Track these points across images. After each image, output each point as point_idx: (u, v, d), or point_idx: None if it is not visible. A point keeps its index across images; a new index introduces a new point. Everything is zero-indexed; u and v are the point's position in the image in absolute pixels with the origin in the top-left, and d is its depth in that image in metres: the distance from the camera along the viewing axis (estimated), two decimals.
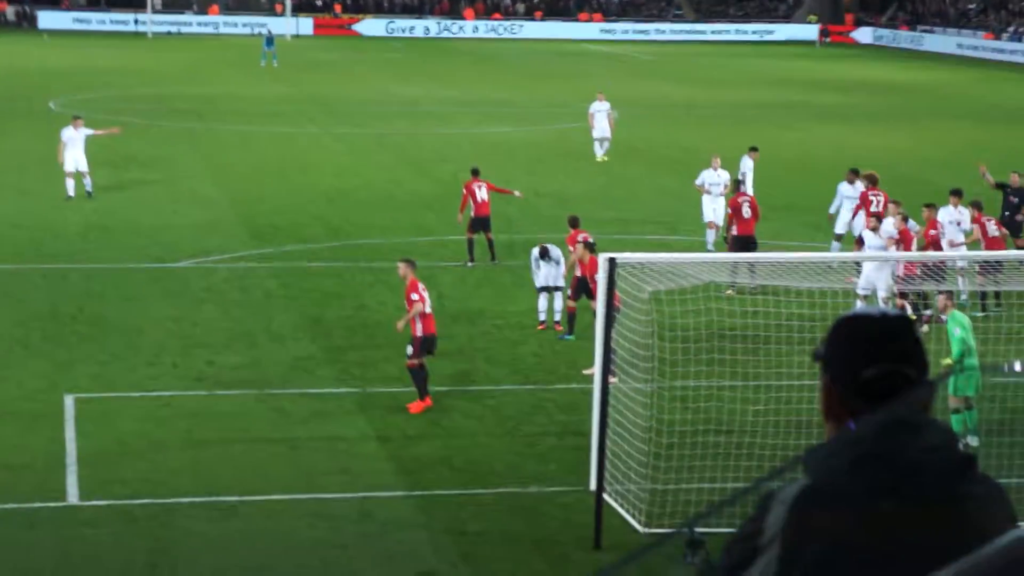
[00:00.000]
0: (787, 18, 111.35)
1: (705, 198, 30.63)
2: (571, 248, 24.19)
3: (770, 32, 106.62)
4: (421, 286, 20.11)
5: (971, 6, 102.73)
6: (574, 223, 25.04)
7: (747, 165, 33.48)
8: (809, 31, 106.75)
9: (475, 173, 29.67)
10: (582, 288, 23.44)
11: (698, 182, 30.84)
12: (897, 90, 69.59)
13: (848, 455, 3.26)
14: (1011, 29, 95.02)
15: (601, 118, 43.57)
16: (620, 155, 44.29)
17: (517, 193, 31.35)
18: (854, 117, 57.20)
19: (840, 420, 3.46)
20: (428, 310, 20.10)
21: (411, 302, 19.96)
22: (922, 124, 55.31)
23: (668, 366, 19.62)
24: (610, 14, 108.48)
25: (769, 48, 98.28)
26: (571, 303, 23.97)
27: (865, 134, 51.53)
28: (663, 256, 20.95)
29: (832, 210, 29.68)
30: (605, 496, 16.14)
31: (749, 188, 32.23)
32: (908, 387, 3.40)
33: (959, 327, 18.69)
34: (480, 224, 28.97)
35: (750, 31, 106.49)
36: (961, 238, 26.20)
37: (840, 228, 29.33)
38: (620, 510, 16.46)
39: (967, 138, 50.91)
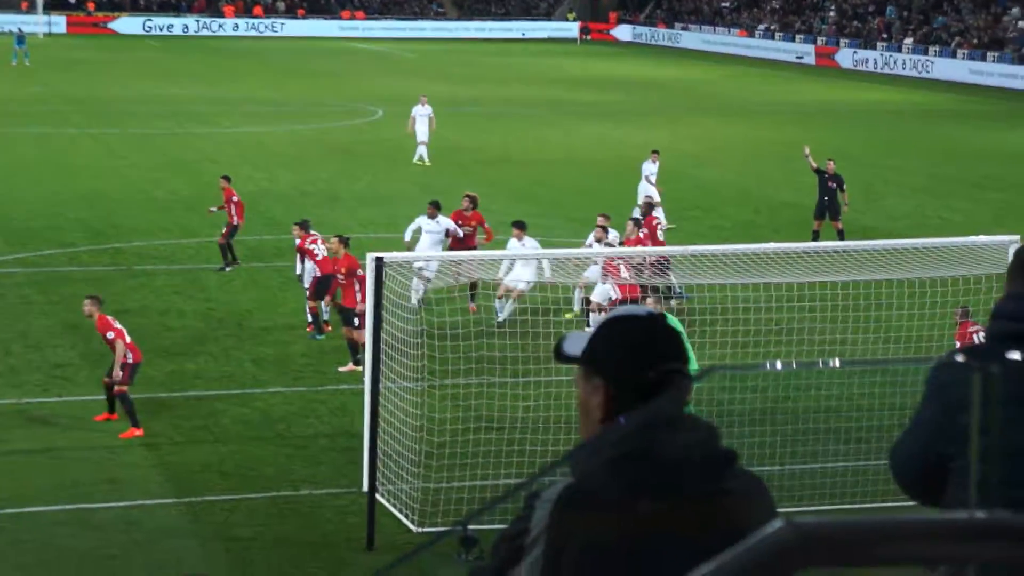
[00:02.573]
0: (548, 16, 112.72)
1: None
2: (302, 250, 24.13)
3: (531, 30, 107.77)
4: (110, 318, 19.48)
5: (725, 4, 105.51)
6: (305, 226, 24.68)
7: (648, 169, 33.71)
8: (570, 29, 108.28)
9: (227, 179, 29.24)
10: (323, 287, 23.46)
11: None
12: (655, 87, 71.04)
13: (608, 454, 3.27)
14: (763, 27, 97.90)
15: (423, 122, 42.96)
16: (386, 154, 44.21)
17: (213, 209, 29.46)
18: (614, 114, 58.19)
19: (610, 420, 3.47)
20: (129, 339, 19.27)
21: (110, 342, 19.05)
22: (679, 120, 56.56)
23: (437, 364, 19.64)
24: (372, 11, 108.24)
25: (530, 46, 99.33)
26: (311, 303, 23.88)
27: (625, 131, 52.47)
28: (430, 255, 21.02)
29: (407, 237, 26.41)
30: (378, 497, 16.08)
31: (653, 190, 32.74)
32: (674, 385, 3.43)
33: None
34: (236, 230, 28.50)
35: (512, 29, 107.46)
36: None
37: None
38: (393, 510, 16.42)
39: (720, 134, 52.29)
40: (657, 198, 32.36)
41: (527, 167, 42.98)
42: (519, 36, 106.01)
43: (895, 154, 47.96)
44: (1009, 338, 4.36)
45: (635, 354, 3.45)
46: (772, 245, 25.18)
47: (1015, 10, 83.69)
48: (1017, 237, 18.25)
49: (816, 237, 30.30)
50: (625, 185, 35.76)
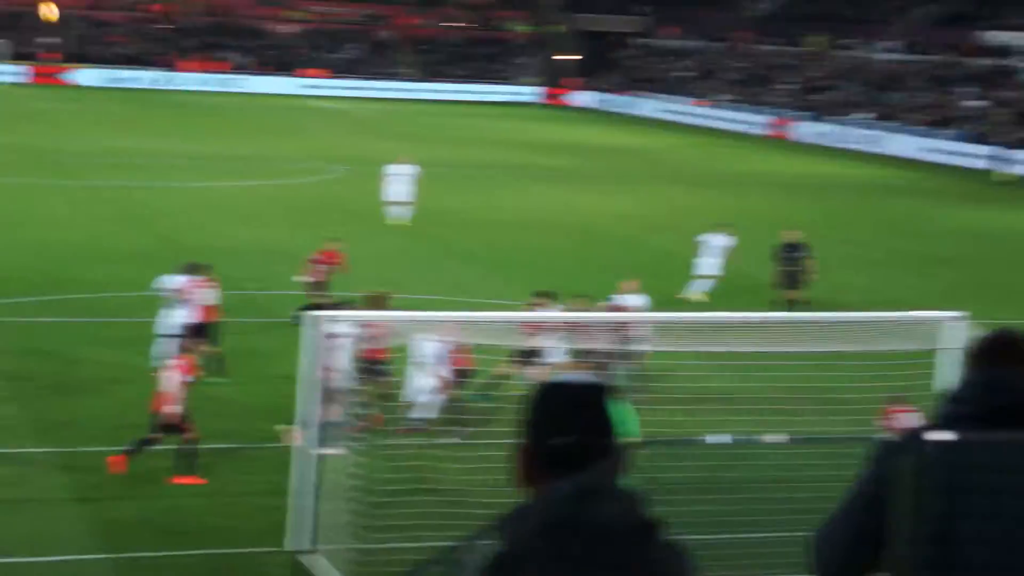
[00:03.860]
0: (508, 80, 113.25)
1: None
2: (188, 294, 24.29)
3: (492, 93, 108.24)
4: None
5: (685, 73, 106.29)
6: (194, 269, 24.98)
7: (719, 242, 34.01)
8: (530, 93, 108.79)
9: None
10: (198, 333, 23.67)
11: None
12: (612, 153, 71.40)
13: (536, 521, 3.29)
14: (720, 97, 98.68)
15: (398, 181, 42.43)
16: (345, 212, 44.20)
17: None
18: (573, 179, 58.39)
19: (535, 485, 3.49)
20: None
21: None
22: (636, 187, 56.81)
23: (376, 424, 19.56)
24: (340, 70, 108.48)
25: (490, 109, 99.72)
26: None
27: (583, 196, 52.64)
28: (375, 315, 20.98)
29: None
30: (314, 557, 15.97)
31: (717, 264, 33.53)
32: (597, 455, 3.45)
33: None
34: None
35: (472, 91, 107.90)
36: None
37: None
38: (332, 570, 16.29)
39: (677, 202, 52.56)
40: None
41: (478, 229, 43.04)
42: (479, 99, 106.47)
43: (847, 227, 48.28)
44: (951, 420, 4.40)
45: (545, 420, 3.48)
46: (724, 315, 25.31)
47: (966, 89, 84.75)
48: (955, 314, 18.34)
49: (791, 307, 30.45)
50: (582, 248, 35.77)
